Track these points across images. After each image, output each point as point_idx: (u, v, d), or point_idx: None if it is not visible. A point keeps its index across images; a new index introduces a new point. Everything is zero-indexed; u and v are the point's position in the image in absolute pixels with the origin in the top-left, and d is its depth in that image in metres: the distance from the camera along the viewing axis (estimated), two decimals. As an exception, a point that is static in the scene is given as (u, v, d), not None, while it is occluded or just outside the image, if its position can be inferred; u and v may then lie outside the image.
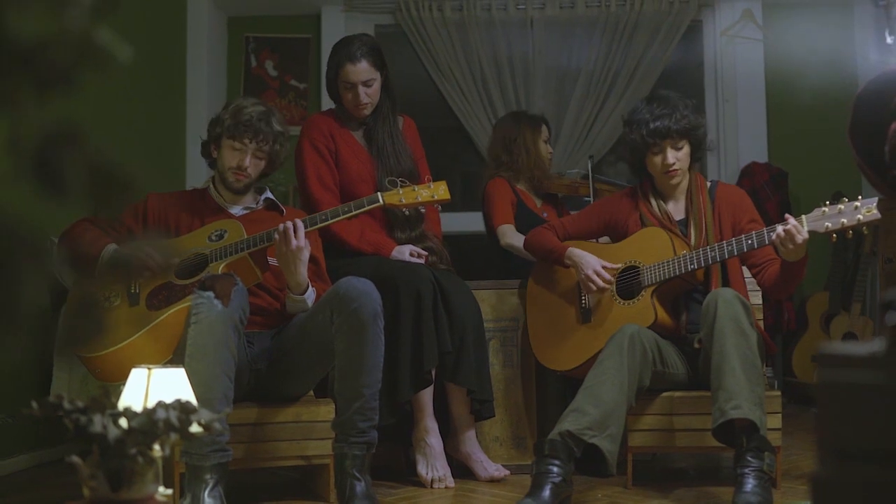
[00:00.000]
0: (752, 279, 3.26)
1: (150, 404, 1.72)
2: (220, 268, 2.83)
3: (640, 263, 3.18)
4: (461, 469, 3.29)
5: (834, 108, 4.77)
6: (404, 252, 3.35)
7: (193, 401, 1.83)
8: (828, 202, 2.90)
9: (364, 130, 3.53)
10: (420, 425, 3.24)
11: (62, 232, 2.94)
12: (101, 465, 1.65)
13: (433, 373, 3.20)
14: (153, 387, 2.01)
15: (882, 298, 1.09)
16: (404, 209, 3.06)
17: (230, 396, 2.62)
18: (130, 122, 4.29)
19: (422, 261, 3.34)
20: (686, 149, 3.19)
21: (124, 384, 2.10)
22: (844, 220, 2.81)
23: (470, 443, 3.32)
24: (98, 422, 1.65)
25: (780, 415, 3.03)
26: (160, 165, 4.73)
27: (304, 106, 5.30)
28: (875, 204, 2.72)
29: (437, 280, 3.22)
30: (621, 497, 2.96)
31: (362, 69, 3.39)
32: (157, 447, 1.68)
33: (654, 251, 3.16)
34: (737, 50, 5.26)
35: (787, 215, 2.90)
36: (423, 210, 3.38)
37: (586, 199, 4.13)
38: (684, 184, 3.27)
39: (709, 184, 3.31)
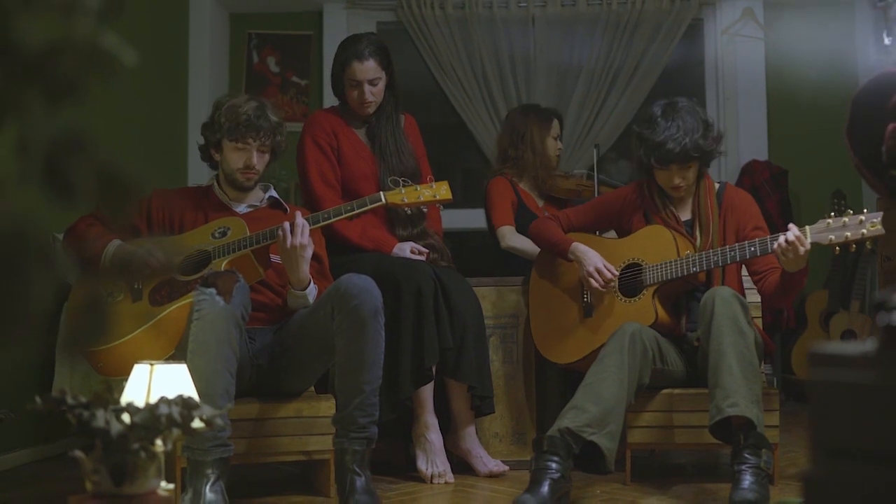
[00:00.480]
0: (749, 278, 3.28)
1: (153, 400, 1.74)
2: (223, 265, 2.85)
3: (642, 261, 3.20)
4: (461, 465, 3.31)
5: (834, 106, 4.77)
6: (405, 249, 3.37)
7: (195, 396, 1.85)
8: (832, 213, 2.91)
9: (367, 128, 3.55)
10: (420, 421, 3.26)
11: (66, 228, 2.95)
12: (104, 459, 1.67)
13: (434, 369, 3.22)
14: (155, 382, 2.03)
15: (873, 299, 1.11)
16: (406, 209, 3.08)
17: (231, 392, 2.64)
18: (132, 118, 4.31)
19: (423, 258, 3.36)
20: (694, 169, 3.18)
21: (126, 379, 2.12)
22: (848, 234, 2.81)
23: (470, 439, 3.33)
24: (101, 417, 1.66)
25: (777, 412, 3.05)
26: (162, 162, 4.74)
27: (306, 103, 5.31)
28: (880, 219, 2.73)
29: (437, 277, 3.24)
30: (620, 493, 2.98)
31: (369, 67, 3.41)
32: (159, 442, 1.70)
33: (657, 250, 3.17)
34: (738, 48, 5.27)
35: (790, 224, 2.90)
36: (424, 210, 3.39)
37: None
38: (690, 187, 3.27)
39: (717, 185, 3.31)
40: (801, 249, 2.84)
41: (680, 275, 3.09)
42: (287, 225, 2.85)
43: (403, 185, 3.02)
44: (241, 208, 3.12)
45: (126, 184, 0.61)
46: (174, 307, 2.78)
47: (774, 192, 5.05)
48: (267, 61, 5.36)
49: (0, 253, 0.53)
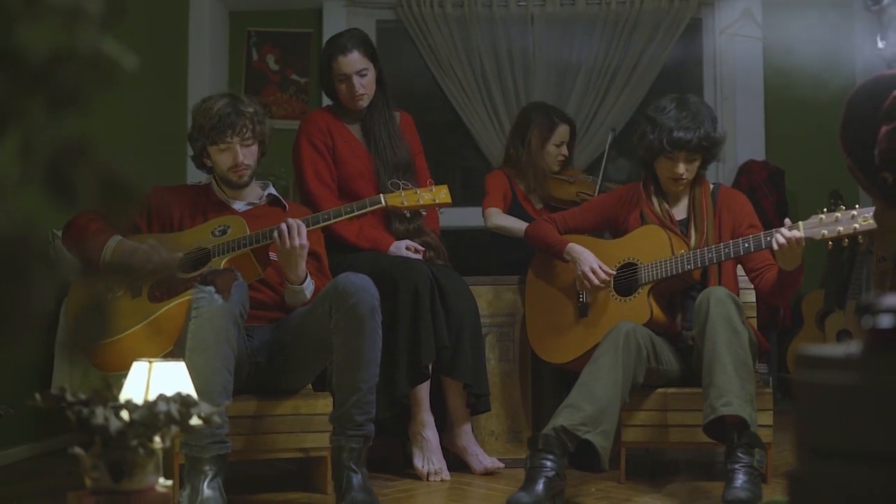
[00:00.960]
0: (745, 277, 3.30)
1: (152, 397, 1.76)
2: (222, 263, 2.87)
3: (638, 261, 3.22)
4: (457, 462, 3.33)
5: (832, 106, 4.76)
6: (402, 248, 3.38)
7: (193, 394, 1.87)
8: (825, 209, 2.93)
9: (361, 126, 3.56)
10: (417, 419, 3.28)
11: (66, 224, 2.96)
12: (103, 456, 1.69)
13: (430, 367, 3.24)
14: (154, 380, 2.05)
15: (860, 302, 1.13)
16: (406, 211, 3.09)
17: (230, 389, 2.66)
18: (131, 117, 4.32)
19: (419, 256, 3.38)
20: (698, 162, 3.22)
21: (124, 375, 2.14)
22: (841, 229, 2.84)
23: (466, 436, 3.35)
24: (100, 414, 1.68)
25: (771, 412, 3.07)
26: (161, 160, 4.75)
27: (305, 100, 5.32)
28: (872, 214, 2.75)
29: (434, 276, 3.26)
30: (614, 491, 3.00)
31: (354, 59, 3.43)
32: (157, 439, 1.72)
33: (652, 249, 3.19)
34: (736, 48, 5.28)
35: (786, 219, 2.93)
36: (423, 213, 3.41)
37: None
38: (688, 185, 3.30)
39: (711, 186, 3.33)
40: (797, 247, 2.87)
41: (675, 273, 3.12)
42: (284, 227, 2.86)
43: (403, 189, 3.03)
44: (240, 206, 3.13)
45: (127, 187, 0.62)
46: (173, 304, 2.80)
47: (772, 193, 5.07)
48: (266, 59, 5.37)
49: (4, 256, 0.55)
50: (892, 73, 2.18)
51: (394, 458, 3.45)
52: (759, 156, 5.22)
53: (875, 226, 2.68)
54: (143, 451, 1.70)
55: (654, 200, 3.29)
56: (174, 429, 1.72)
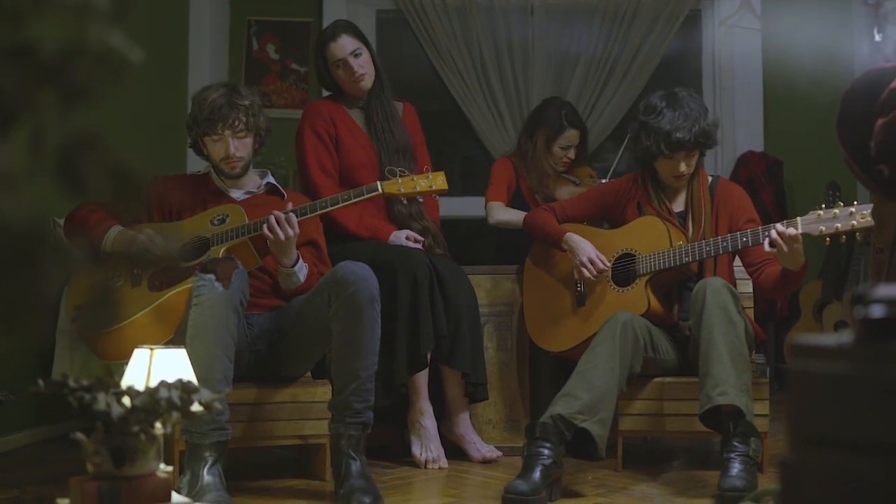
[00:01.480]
0: (741, 269, 3.31)
1: (153, 384, 1.78)
2: (222, 251, 2.89)
3: (635, 252, 3.24)
4: (455, 450, 3.35)
5: (830, 98, 4.76)
6: (401, 237, 3.40)
7: (194, 381, 1.89)
8: (823, 205, 2.94)
9: (362, 114, 3.58)
10: (415, 407, 3.30)
11: (67, 214, 2.98)
12: (105, 441, 1.71)
13: (428, 356, 3.26)
14: (155, 367, 2.07)
15: (853, 293, 1.14)
16: (403, 198, 3.11)
17: (230, 377, 2.68)
18: (131, 105, 4.33)
19: (419, 246, 3.39)
20: (696, 156, 3.23)
21: (125, 362, 2.16)
22: (839, 225, 2.85)
23: (464, 425, 3.38)
24: (102, 400, 1.70)
25: (767, 401, 3.09)
26: (161, 149, 4.76)
27: (305, 89, 5.33)
28: (870, 211, 2.76)
29: (433, 265, 3.28)
30: (611, 479, 3.03)
31: (345, 42, 3.46)
32: (159, 425, 1.74)
33: (650, 240, 3.21)
34: (735, 40, 5.28)
35: (782, 222, 2.94)
36: (421, 200, 3.42)
37: None
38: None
39: (710, 178, 3.35)
40: (795, 245, 2.88)
41: (673, 264, 3.13)
42: (272, 220, 2.87)
43: (400, 176, 3.05)
44: (239, 195, 3.15)
45: (136, 180, 0.64)
46: (173, 292, 2.82)
47: (770, 184, 5.09)
48: (266, 48, 5.37)
49: (18, 247, 0.57)
50: (888, 65, 2.19)
51: (392, 446, 3.47)
52: (758, 147, 5.23)
53: (873, 223, 2.70)
54: (145, 437, 1.72)
55: (652, 193, 3.31)
56: (175, 415, 1.74)
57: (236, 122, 3.01)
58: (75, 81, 0.61)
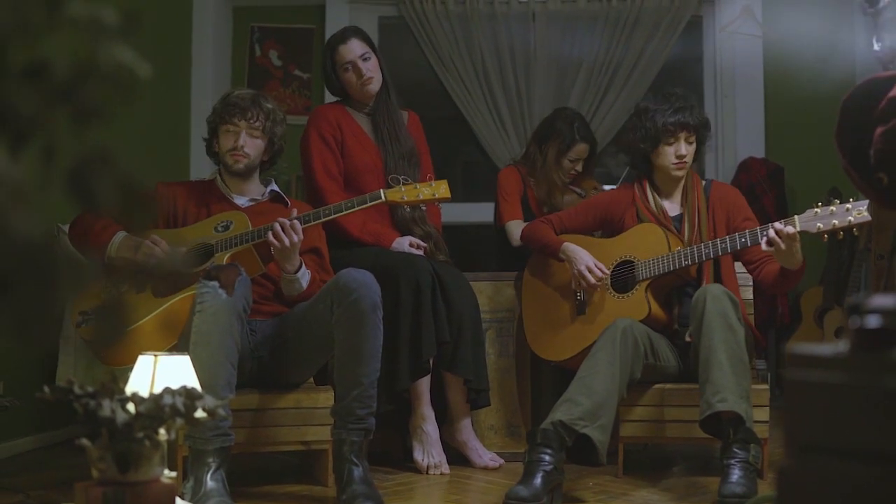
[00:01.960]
0: (745, 275, 3.33)
1: (157, 390, 1.79)
2: (225, 258, 2.90)
3: (634, 258, 3.25)
4: (457, 456, 3.36)
5: (831, 104, 4.78)
6: (404, 243, 3.41)
7: (198, 387, 1.90)
8: (819, 203, 2.96)
9: (369, 120, 3.59)
10: (417, 413, 3.32)
11: (73, 220, 3.00)
12: (110, 447, 1.72)
13: (431, 362, 3.27)
14: (159, 373, 2.08)
15: (849, 302, 1.16)
16: (406, 206, 3.13)
17: (233, 383, 2.69)
18: (134, 111, 4.34)
19: (421, 252, 3.41)
20: (694, 145, 3.27)
21: (129, 368, 2.17)
22: (836, 222, 2.87)
23: (466, 431, 3.39)
24: (107, 406, 1.72)
25: (767, 408, 3.11)
26: (165, 155, 4.78)
27: (308, 96, 5.35)
28: (866, 207, 2.78)
29: (435, 271, 3.29)
30: (612, 485, 3.04)
31: (354, 45, 3.49)
32: (163, 431, 1.75)
33: (648, 246, 3.23)
34: (736, 45, 5.30)
35: (778, 222, 2.97)
36: (423, 208, 3.44)
37: None
38: (681, 181, 3.34)
39: (703, 182, 3.38)
40: (793, 243, 2.90)
41: (672, 268, 3.15)
42: (277, 227, 2.89)
43: (403, 184, 3.07)
44: (243, 201, 3.17)
45: (146, 195, 0.66)
46: (177, 299, 2.83)
47: (771, 190, 5.10)
48: (269, 55, 5.40)
49: (32, 260, 0.58)
50: (887, 74, 2.20)
51: (394, 452, 3.48)
52: (759, 153, 5.24)
53: (869, 218, 2.71)
54: (149, 443, 1.73)
55: (650, 198, 3.33)
56: (179, 421, 1.75)
57: (253, 118, 3.08)
58: (88, 102, 0.62)
